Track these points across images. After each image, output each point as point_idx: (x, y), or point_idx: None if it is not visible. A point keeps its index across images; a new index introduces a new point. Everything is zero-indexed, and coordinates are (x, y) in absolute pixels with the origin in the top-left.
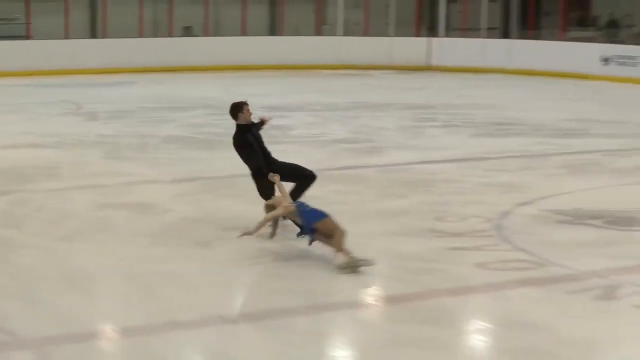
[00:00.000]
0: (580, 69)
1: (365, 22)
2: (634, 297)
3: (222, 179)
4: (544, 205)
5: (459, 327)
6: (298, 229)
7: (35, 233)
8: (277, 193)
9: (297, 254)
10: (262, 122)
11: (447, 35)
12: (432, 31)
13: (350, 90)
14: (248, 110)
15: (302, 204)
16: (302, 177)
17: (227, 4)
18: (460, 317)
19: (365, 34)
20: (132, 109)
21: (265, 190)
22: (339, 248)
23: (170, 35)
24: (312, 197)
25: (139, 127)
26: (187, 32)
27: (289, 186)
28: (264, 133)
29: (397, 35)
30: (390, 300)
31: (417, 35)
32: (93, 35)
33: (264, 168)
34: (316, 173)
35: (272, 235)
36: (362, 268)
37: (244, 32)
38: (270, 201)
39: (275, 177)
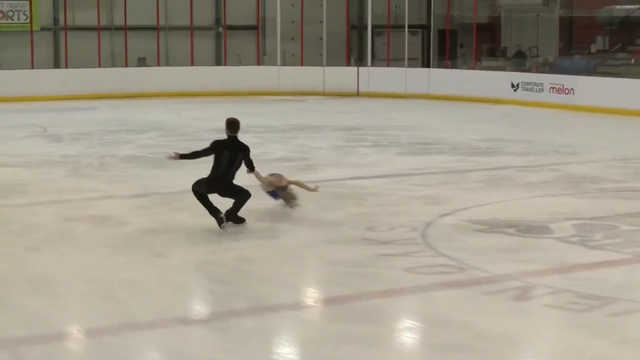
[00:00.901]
0: (492, 94)
1: (301, 53)
2: (545, 297)
3: (174, 194)
4: (463, 215)
5: (390, 325)
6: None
7: (5, 243)
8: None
9: (243, 262)
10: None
11: (373, 65)
12: (360, 61)
13: (288, 114)
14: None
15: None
16: (242, 195)
17: (177, 36)
18: (391, 316)
19: (301, 63)
20: (92, 132)
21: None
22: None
23: (126, 65)
24: (258, 208)
25: (99, 147)
26: (142, 62)
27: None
28: None
29: (329, 64)
30: (329, 301)
31: (347, 64)
32: (56, 65)
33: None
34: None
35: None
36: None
37: (192, 62)
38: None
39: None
